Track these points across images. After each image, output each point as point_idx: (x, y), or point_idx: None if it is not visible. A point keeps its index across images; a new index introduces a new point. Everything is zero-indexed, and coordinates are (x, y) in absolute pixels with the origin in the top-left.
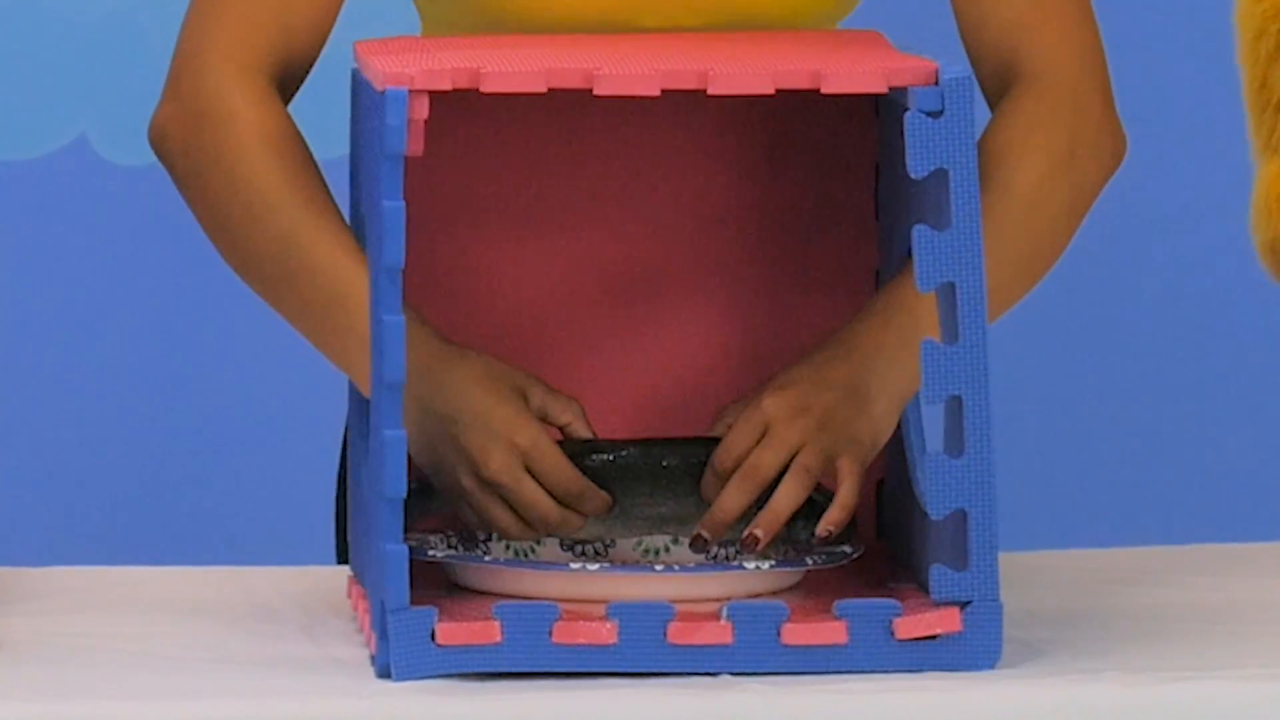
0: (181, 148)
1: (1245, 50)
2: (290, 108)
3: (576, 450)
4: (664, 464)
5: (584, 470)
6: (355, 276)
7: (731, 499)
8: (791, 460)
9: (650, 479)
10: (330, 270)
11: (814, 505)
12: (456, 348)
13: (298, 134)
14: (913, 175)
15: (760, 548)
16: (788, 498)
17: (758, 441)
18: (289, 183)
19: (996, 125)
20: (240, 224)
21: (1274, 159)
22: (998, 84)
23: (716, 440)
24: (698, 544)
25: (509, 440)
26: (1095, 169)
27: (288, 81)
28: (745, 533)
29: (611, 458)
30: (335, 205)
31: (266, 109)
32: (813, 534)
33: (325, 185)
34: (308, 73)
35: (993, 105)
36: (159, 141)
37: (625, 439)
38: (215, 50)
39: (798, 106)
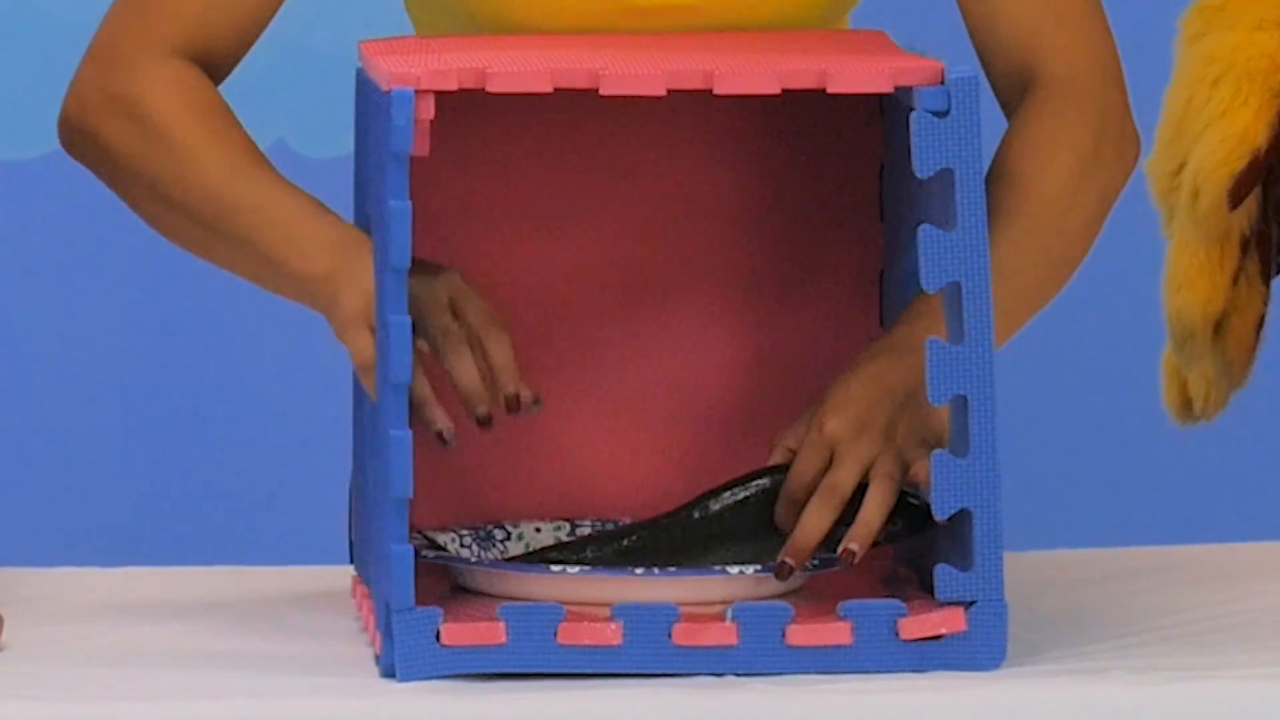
0: (89, 130)
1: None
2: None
3: (613, 535)
4: (696, 517)
5: (630, 546)
6: (303, 206)
7: (814, 520)
8: (865, 476)
9: (692, 542)
10: (277, 199)
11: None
12: None
13: (215, 91)
14: (918, 175)
15: (857, 560)
16: (877, 505)
17: (826, 464)
18: (213, 131)
19: (1022, 126)
20: (171, 176)
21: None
22: (1014, 84)
23: (737, 484)
24: (783, 571)
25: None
26: (1119, 170)
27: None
28: (840, 549)
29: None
30: (262, 153)
31: (182, 71)
32: (908, 528)
33: (249, 136)
34: (226, 75)
35: (1007, 105)
36: (63, 132)
37: (651, 518)
38: (125, 41)
39: (803, 106)
